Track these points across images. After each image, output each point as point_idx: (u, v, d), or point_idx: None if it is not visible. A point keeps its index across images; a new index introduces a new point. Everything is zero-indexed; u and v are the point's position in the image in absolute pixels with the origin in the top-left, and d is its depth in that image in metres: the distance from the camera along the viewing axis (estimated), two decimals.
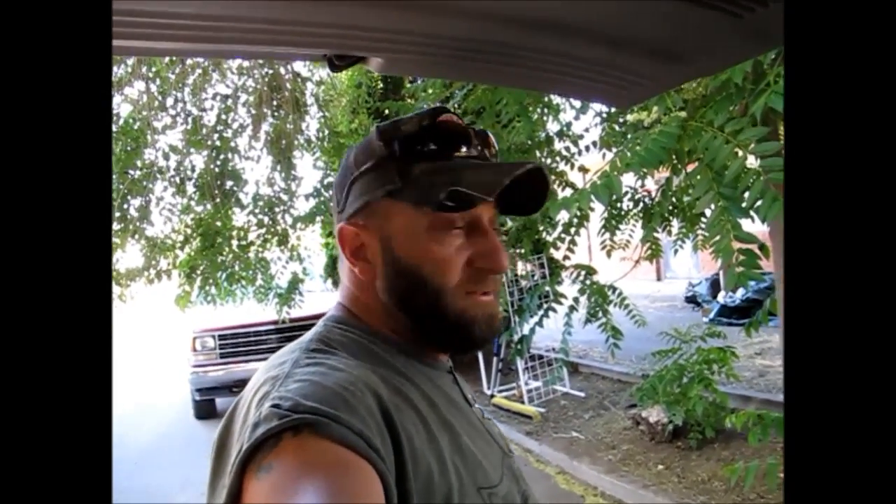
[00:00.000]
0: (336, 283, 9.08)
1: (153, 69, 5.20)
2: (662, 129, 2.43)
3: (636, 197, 4.28)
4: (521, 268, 6.38)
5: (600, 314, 4.08)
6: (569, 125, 4.41)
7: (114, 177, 5.09)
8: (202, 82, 5.59)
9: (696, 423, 4.61)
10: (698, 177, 2.34)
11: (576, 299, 4.08)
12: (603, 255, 4.40)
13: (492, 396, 6.50)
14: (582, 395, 6.51)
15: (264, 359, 0.80)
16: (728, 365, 4.74)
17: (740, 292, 8.97)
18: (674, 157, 2.86)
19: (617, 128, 4.12)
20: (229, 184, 5.69)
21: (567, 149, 4.42)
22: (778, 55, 2.14)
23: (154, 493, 4.99)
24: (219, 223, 5.58)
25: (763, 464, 2.61)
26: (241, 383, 6.61)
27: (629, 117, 4.12)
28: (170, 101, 5.55)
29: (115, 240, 5.30)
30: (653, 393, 4.80)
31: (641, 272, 5.48)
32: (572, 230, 4.02)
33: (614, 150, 3.72)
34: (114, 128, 5.14)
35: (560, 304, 4.03)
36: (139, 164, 5.40)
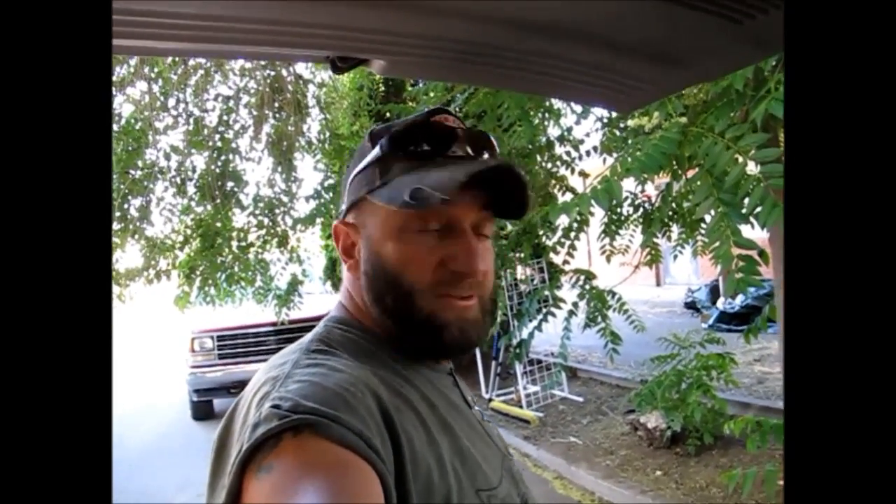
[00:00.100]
0: (335, 286, 9.10)
1: (155, 69, 5.20)
2: (663, 134, 2.43)
3: (636, 202, 4.27)
4: (521, 272, 6.38)
5: (599, 319, 4.08)
6: (569, 130, 4.41)
7: (115, 176, 5.09)
8: (204, 83, 5.59)
9: (694, 430, 4.61)
10: (698, 182, 2.34)
11: (575, 304, 4.07)
12: (602, 260, 4.40)
13: (490, 400, 6.49)
14: (580, 399, 6.50)
15: (263, 360, 0.81)
16: (727, 371, 4.73)
17: (739, 298, 8.98)
18: (674, 162, 2.86)
19: (617, 133, 4.12)
20: (230, 185, 5.69)
21: (568, 153, 4.42)
22: (779, 62, 2.14)
23: (152, 493, 4.99)
24: (219, 224, 5.57)
25: (761, 471, 2.61)
26: (239, 384, 6.63)
27: (630, 122, 4.11)
28: (172, 102, 5.55)
29: (115, 239, 5.30)
30: (651, 398, 4.80)
31: (641, 277, 5.48)
32: (572, 235, 4.02)
33: (615, 155, 3.72)
34: (115, 127, 5.14)
35: (559, 308, 4.02)
36: (140, 164, 5.40)
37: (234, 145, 5.68)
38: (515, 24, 0.73)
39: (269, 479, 0.57)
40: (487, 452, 0.81)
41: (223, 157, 5.61)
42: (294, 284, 5.54)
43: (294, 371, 0.69)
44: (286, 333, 6.24)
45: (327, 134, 6.07)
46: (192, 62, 5.32)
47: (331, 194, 5.15)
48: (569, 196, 4.25)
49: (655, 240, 4.14)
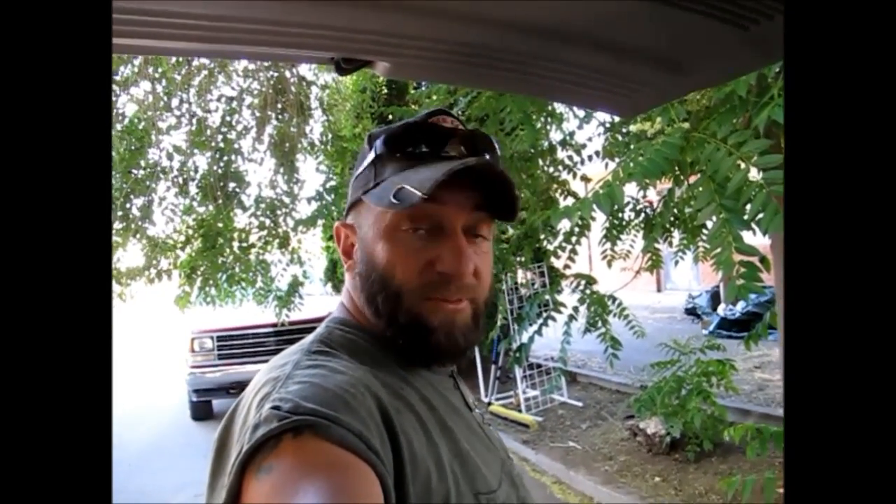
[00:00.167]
0: (336, 288, 9.10)
1: (159, 70, 5.22)
2: (665, 139, 2.43)
3: (638, 207, 4.28)
4: (522, 276, 6.38)
5: (599, 324, 4.08)
6: (572, 134, 4.42)
7: (117, 176, 5.10)
8: (207, 84, 5.60)
9: (693, 436, 4.60)
10: (700, 188, 2.34)
11: (575, 308, 4.08)
12: (603, 265, 4.40)
13: (489, 404, 6.48)
14: (580, 404, 6.50)
15: (262, 361, 0.81)
16: (727, 378, 4.73)
17: (740, 305, 8.96)
18: (676, 168, 2.86)
19: (620, 138, 4.13)
20: (232, 185, 5.70)
21: (570, 157, 4.42)
22: (782, 68, 2.14)
23: (150, 494, 4.97)
24: (220, 224, 5.58)
25: (760, 478, 2.60)
26: (238, 385, 6.63)
27: (632, 128, 4.12)
28: (175, 102, 5.56)
29: (117, 238, 5.30)
30: (651, 404, 4.79)
31: (641, 283, 5.48)
32: (573, 239, 4.02)
33: (617, 159, 3.72)
34: (119, 127, 5.16)
35: (559, 312, 4.03)
36: (143, 163, 5.41)
37: (236, 146, 5.69)
38: (519, 27, 0.73)
39: (269, 480, 0.57)
40: (487, 455, 0.81)
41: (225, 158, 5.62)
42: (294, 286, 5.54)
43: (294, 372, 0.69)
44: (286, 335, 6.24)
45: (330, 136, 6.08)
46: (195, 63, 5.33)
47: (332, 196, 5.15)
48: (570, 200, 4.25)
49: (657, 245, 4.14)
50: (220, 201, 5.58)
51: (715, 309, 10.28)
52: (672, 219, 4.05)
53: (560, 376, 5.08)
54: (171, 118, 5.59)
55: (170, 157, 5.54)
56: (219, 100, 5.75)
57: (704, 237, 3.82)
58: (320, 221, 5.30)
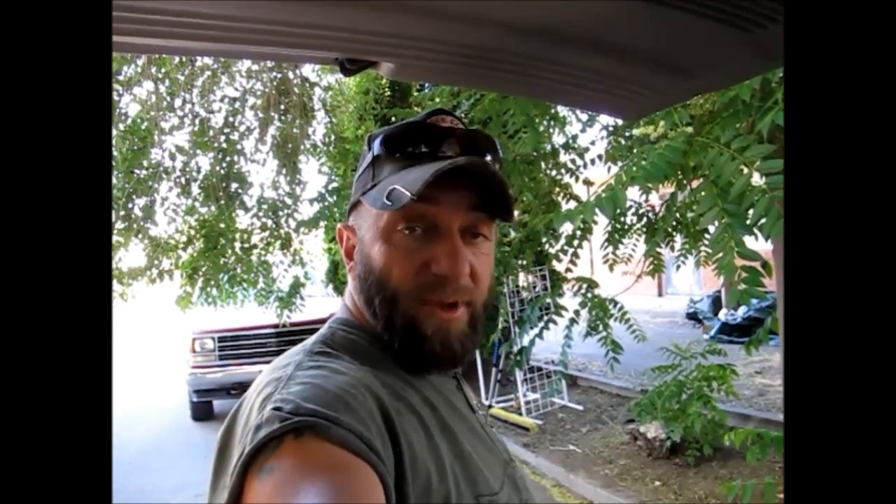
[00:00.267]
0: (337, 289, 9.09)
1: (162, 70, 5.22)
2: (668, 143, 2.43)
3: (640, 211, 4.28)
4: (523, 279, 6.38)
5: (601, 328, 4.07)
6: (574, 138, 4.42)
7: (120, 176, 5.10)
8: (211, 84, 5.61)
9: (694, 440, 4.59)
10: (703, 193, 2.34)
11: (576, 312, 4.07)
12: (605, 269, 4.39)
13: (489, 407, 6.47)
14: (580, 408, 6.49)
15: (263, 362, 0.81)
16: (728, 383, 4.72)
17: (742, 310, 8.97)
18: (679, 172, 2.86)
19: (623, 141, 4.12)
20: (234, 186, 5.70)
21: (573, 161, 4.42)
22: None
23: (149, 494, 4.97)
24: (222, 225, 5.58)
25: (760, 483, 2.60)
26: (239, 386, 6.63)
27: (635, 131, 4.11)
28: (178, 102, 5.57)
29: (119, 238, 5.30)
30: (651, 408, 4.79)
31: (643, 287, 5.47)
32: (575, 243, 4.02)
33: (619, 163, 3.72)
34: (121, 127, 5.16)
35: (561, 316, 4.02)
36: (145, 163, 5.41)
37: (239, 147, 5.69)
38: (524, 29, 0.73)
39: (271, 481, 0.57)
40: (489, 458, 0.80)
41: (228, 159, 5.62)
42: (296, 287, 5.54)
43: (296, 373, 0.69)
44: (287, 336, 6.24)
45: (332, 137, 6.08)
46: (199, 63, 5.34)
47: (335, 197, 5.15)
48: (573, 204, 4.25)
49: (658, 249, 4.14)
50: (223, 202, 5.59)
51: (716, 314, 10.27)
52: (674, 223, 4.05)
53: (560, 380, 5.08)
54: (173, 118, 5.59)
55: (172, 158, 5.54)
56: (222, 100, 5.75)
57: (706, 242, 3.82)
58: (322, 223, 5.30)
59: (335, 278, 9.26)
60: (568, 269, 4.21)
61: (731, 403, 5.30)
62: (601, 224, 3.69)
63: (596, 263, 4.95)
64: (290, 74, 5.66)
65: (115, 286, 5.42)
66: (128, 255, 5.64)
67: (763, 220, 2.05)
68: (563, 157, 4.46)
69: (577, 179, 4.48)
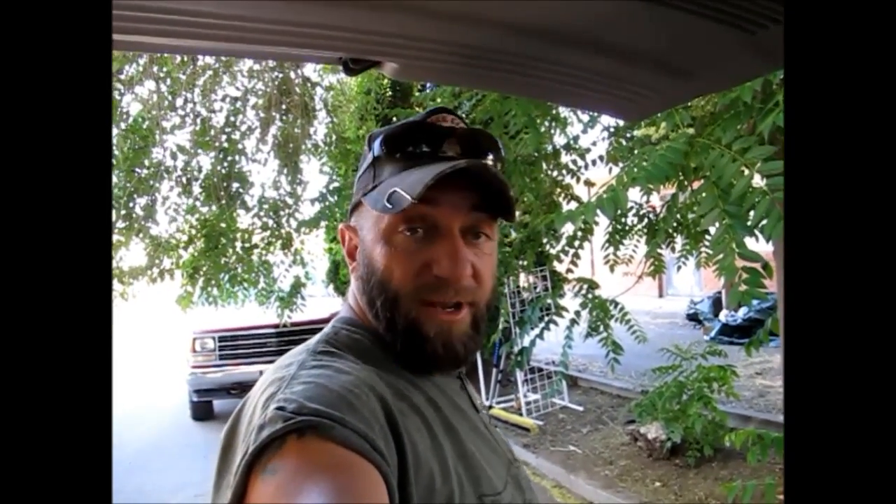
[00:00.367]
0: (338, 289, 9.09)
1: (164, 69, 5.23)
2: (670, 144, 2.43)
3: (641, 212, 4.27)
4: (524, 279, 6.37)
5: (601, 328, 4.07)
6: (576, 138, 4.42)
7: (121, 175, 5.11)
8: (212, 84, 5.61)
9: (694, 441, 4.59)
10: (704, 194, 2.34)
11: (577, 313, 4.07)
12: (606, 270, 4.39)
13: (490, 407, 6.47)
14: (580, 408, 6.49)
15: (264, 362, 0.81)
16: (728, 384, 4.72)
17: (742, 311, 8.97)
18: (680, 173, 2.86)
19: (624, 142, 4.12)
20: (235, 185, 5.70)
21: (574, 162, 4.42)
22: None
23: (149, 493, 4.96)
24: (223, 225, 5.58)
25: (761, 483, 2.60)
26: (239, 385, 6.62)
27: (636, 132, 4.12)
28: (179, 102, 5.57)
29: (120, 237, 5.30)
30: (652, 409, 4.79)
31: (643, 288, 5.48)
32: (576, 243, 4.02)
33: (621, 164, 3.72)
34: (122, 126, 5.16)
35: (561, 317, 4.01)
36: (146, 162, 5.41)
37: (240, 146, 5.69)
38: (526, 30, 0.73)
39: (274, 481, 0.57)
40: (493, 458, 0.80)
41: (229, 158, 5.62)
42: (297, 287, 5.54)
43: (300, 372, 0.69)
44: (288, 336, 6.24)
45: (334, 137, 6.09)
46: (200, 63, 5.34)
47: (335, 198, 5.15)
48: (574, 205, 4.25)
49: (659, 250, 4.14)
50: (224, 201, 5.59)
51: (716, 315, 10.27)
52: (675, 224, 4.04)
53: (561, 380, 5.07)
54: (175, 118, 5.60)
55: (173, 157, 5.54)
56: (223, 100, 5.75)
57: (707, 243, 3.81)
58: (323, 223, 5.31)
59: (336, 278, 9.26)
60: (569, 270, 4.21)
61: (731, 404, 5.30)
62: (602, 225, 3.68)
63: (597, 264, 4.95)
64: (292, 74, 5.66)
65: (116, 285, 5.42)
66: (128, 254, 5.64)
67: (764, 222, 2.05)
68: (565, 158, 4.46)
69: (578, 180, 4.47)
